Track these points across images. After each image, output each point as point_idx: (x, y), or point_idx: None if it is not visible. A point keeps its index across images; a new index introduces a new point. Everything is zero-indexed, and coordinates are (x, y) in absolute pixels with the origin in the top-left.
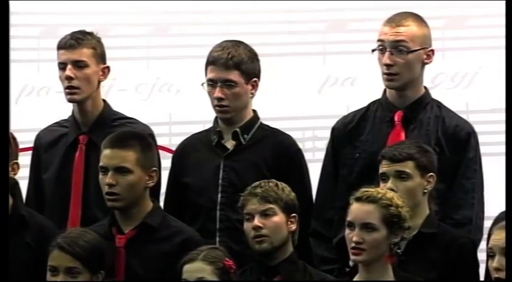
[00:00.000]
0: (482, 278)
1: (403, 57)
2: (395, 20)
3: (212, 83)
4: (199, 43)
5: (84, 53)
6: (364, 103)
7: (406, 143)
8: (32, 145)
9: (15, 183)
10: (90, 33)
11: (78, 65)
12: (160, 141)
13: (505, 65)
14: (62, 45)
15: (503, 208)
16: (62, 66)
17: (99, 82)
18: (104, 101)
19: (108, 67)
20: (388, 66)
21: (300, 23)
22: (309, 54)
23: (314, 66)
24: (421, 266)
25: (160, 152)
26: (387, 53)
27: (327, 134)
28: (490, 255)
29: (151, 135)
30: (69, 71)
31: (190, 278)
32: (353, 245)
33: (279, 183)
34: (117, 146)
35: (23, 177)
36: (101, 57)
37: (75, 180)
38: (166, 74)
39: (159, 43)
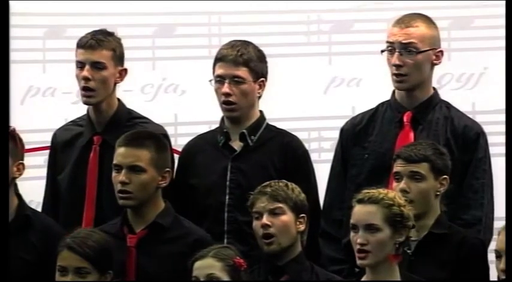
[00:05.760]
0: (491, 278)
1: (412, 58)
2: (405, 21)
3: (220, 79)
4: (205, 44)
5: (104, 55)
6: (370, 104)
7: (423, 144)
8: (37, 146)
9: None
10: (111, 34)
11: (97, 66)
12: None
13: (505, 65)
14: (82, 45)
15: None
16: (80, 65)
17: (115, 84)
18: (119, 100)
19: (125, 69)
20: (397, 67)
21: (306, 24)
22: (315, 55)
23: (320, 67)
24: (431, 266)
25: None
26: (396, 54)
27: (333, 134)
28: (498, 257)
29: (165, 136)
30: (86, 72)
31: (200, 275)
32: (358, 247)
33: (289, 183)
34: (132, 145)
35: (32, 177)
36: (119, 59)
37: (90, 182)
38: (172, 74)
39: (164, 44)
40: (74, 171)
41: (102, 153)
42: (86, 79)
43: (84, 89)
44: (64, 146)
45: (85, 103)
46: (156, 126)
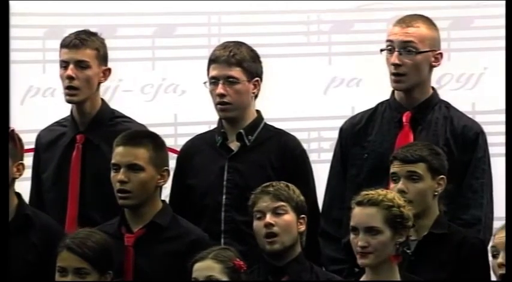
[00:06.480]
0: (492, 278)
1: (412, 58)
2: (406, 20)
3: (215, 81)
4: (204, 44)
5: (87, 54)
6: (369, 104)
7: (419, 145)
8: None
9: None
10: (95, 34)
11: (80, 65)
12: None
13: (505, 65)
14: (66, 44)
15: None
16: (64, 64)
17: (99, 83)
18: (102, 99)
19: (109, 69)
20: (396, 66)
21: (306, 24)
22: (315, 55)
23: (320, 67)
24: (431, 267)
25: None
26: (396, 53)
27: (333, 134)
28: (495, 254)
29: None
30: (70, 71)
31: (200, 277)
32: (359, 249)
33: (289, 184)
34: (129, 144)
35: (28, 178)
36: (103, 58)
37: (72, 179)
38: (171, 75)
39: (164, 44)
40: (58, 169)
41: (85, 151)
42: (70, 78)
43: (68, 88)
44: (48, 146)
45: (68, 101)
46: (139, 126)
